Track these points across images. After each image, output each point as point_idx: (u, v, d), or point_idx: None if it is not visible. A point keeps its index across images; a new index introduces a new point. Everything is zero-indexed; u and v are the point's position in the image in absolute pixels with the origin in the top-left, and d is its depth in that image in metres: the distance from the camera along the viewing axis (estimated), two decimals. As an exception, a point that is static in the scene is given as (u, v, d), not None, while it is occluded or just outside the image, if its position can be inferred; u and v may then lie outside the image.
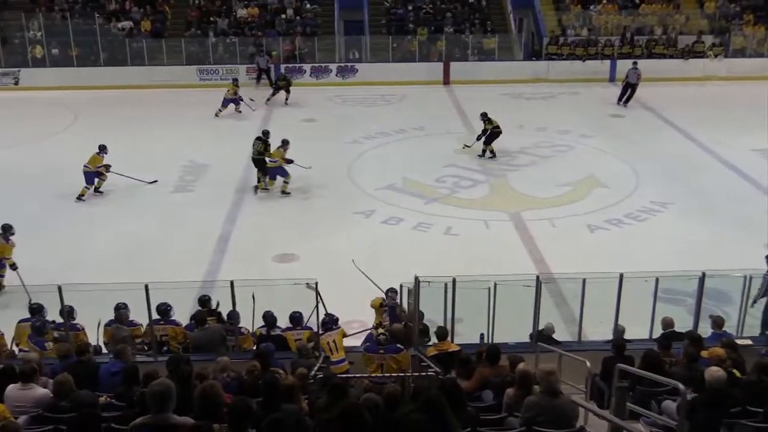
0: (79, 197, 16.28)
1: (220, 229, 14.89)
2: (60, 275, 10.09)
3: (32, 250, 13.10)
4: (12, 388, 6.29)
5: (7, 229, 12.57)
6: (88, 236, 14.62)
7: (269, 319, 9.58)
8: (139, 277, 9.21)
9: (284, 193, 16.65)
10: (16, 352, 9.12)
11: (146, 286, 8.73)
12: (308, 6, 29.13)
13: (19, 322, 9.55)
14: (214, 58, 27.40)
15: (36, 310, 9.52)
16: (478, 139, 19.00)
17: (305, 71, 27.26)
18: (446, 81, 27.29)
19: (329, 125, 21.90)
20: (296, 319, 9.61)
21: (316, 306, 9.34)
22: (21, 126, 21.89)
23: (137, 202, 16.38)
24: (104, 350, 9.25)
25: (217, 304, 9.83)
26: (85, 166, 16.29)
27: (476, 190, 17.08)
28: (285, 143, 16.79)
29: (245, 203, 16.42)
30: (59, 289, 8.92)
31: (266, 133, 17.17)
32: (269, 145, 16.90)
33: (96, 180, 16.49)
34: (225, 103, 22.85)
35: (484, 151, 19.06)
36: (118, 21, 27.88)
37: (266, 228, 15.07)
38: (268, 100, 24.35)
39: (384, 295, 10.55)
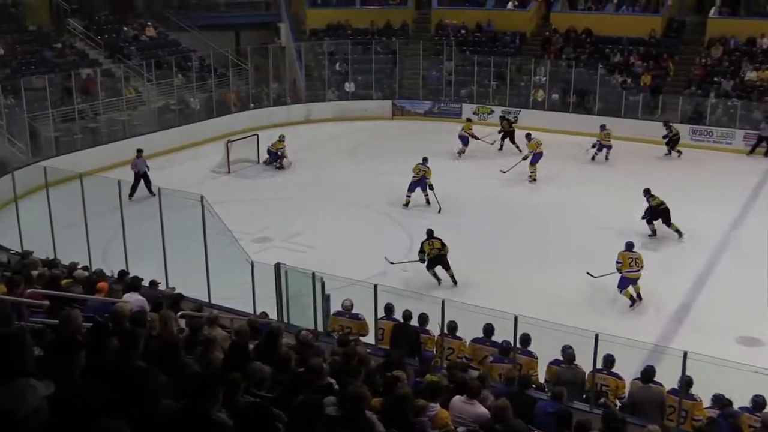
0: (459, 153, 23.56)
1: (683, 296, 14.23)
2: (510, 305, 10.33)
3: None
4: (457, 400, 6.80)
5: (426, 160, 18.59)
6: (552, 271, 14.89)
7: (723, 401, 8.71)
8: (586, 323, 9.19)
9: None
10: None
11: (596, 336, 8.69)
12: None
13: (472, 341, 10.26)
14: (710, 119, 26.27)
15: (489, 331, 10.15)
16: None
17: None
18: None
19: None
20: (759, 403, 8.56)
21: None
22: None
23: (591, 248, 16.03)
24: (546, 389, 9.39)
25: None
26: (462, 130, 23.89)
27: None
28: None
29: (715, 272, 15.47)
30: (515, 319, 9.33)
31: None
32: None
33: (468, 141, 23.69)
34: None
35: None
36: (620, 74, 28.37)
37: (733, 303, 13.83)
38: None
39: None
